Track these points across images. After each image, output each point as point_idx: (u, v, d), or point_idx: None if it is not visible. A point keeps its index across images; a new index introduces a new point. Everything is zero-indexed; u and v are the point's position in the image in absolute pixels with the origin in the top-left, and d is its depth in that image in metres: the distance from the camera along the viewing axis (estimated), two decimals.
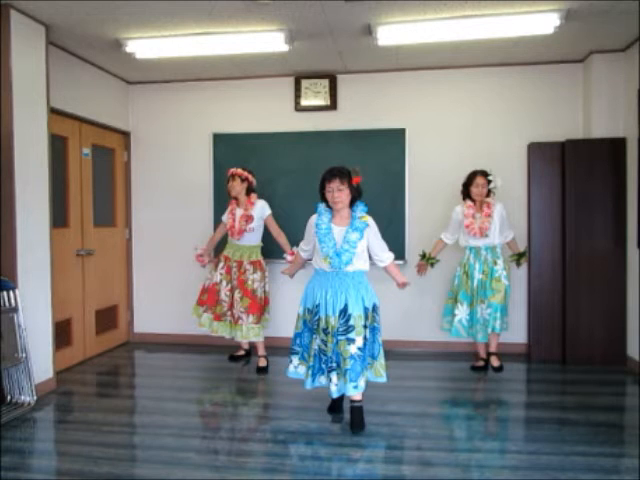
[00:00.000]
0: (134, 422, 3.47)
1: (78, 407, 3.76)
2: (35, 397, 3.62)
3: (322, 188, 3.26)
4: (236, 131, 5.26)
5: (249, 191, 4.42)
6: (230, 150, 5.24)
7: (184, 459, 2.82)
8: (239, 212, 4.37)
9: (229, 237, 4.44)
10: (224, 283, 4.37)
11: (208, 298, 4.39)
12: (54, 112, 4.19)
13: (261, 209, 4.38)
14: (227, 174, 4.44)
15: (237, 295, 4.30)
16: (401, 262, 4.86)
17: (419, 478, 2.61)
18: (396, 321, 4.98)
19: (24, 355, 3.58)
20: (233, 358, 4.68)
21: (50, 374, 3.99)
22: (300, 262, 3.58)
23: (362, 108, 5.10)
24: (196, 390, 4.01)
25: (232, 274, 4.37)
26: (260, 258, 4.43)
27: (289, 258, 3.99)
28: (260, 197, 4.48)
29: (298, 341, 3.30)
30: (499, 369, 4.25)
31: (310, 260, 3.40)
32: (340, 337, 3.10)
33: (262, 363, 4.43)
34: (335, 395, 3.21)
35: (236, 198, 4.41)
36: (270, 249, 4.57)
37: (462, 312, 4.22)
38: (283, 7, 3.64)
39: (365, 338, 3.14)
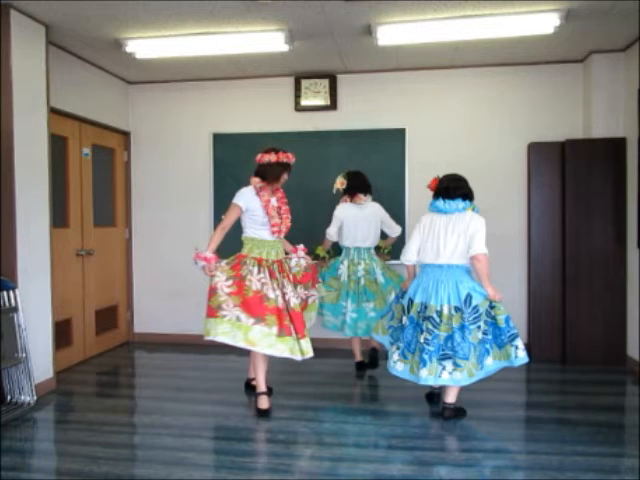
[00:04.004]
0: (134, 422, 3.48)
1: (78, 407, 3.76)
2: (35, 397, 3.62)
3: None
4: (236, 131, 5.26)
5: None
6: (230, 150, 5.25)
7: (184, 459, 2.82)
8: (275, 202, 3.58)
9: (259, 234, 3.53)
10: (272, 292, 3.37)
11: (254, 309, 3.32)
12: (54, 112, 4.19)
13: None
14: (280, 159, 3.52)
15: (299, 291, 3.63)
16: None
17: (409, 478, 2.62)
18: None
19: (24, 355, 3.57)
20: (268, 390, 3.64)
21: (50, 374, 3.99)
22: None
23: (362, 108, 5.10)
24: (196, 390, 4.01)
25: (277, 278, 3.47)
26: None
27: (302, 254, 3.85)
28: None
29: None
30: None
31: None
32: None
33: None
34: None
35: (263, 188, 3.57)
36: None
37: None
38: (283, 7, 3.64)
39: None
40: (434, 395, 3.63)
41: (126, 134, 5.47)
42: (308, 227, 4.72)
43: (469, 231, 3.24)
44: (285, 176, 3.59)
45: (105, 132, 5.16)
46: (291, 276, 3.61)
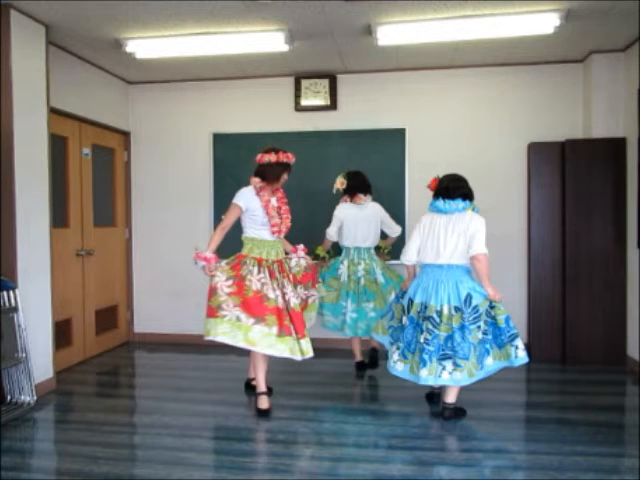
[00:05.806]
0: (134, 422, 3.48)
1: (78, 407, 3.76)
2: (35, 397, 3.62)
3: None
4: (236, 131, 5.27)
5: None
6: (230, 150, 5.25)
7: (184, 459, 2.82)
8: (275, 202, 3.57)
9: (259, 234, 3.53)
10: (272, 292, 3.36)
11: (254, 309, 3.31)
12: (54, 112, 4.19)
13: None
14: (280, 159, 3.51)
15: (299, 291, 3.63)
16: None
17: (407, 478, 2.62)
18: None
19: (24, 355, 3.58)
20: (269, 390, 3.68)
21: (50, 374, 3.99)
22: None
23: (362, 108, 5.10)
24: (196, 390, 4.01)
25: (277, 278, 3.47)
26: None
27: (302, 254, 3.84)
28: None
29: None
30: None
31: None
32: None
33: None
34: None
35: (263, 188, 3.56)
36: None
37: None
38: (283, 7, 3.64)
39: None
40: (434, 395, 3.63)
41: (126, 134, 5.47)
42: (308, 227, 4.72)
43: (469, 231, 3.24)
44: (285, 176, 3.59)
45: (105, 132, 5.16)
46: (291, 276, 3.61)
